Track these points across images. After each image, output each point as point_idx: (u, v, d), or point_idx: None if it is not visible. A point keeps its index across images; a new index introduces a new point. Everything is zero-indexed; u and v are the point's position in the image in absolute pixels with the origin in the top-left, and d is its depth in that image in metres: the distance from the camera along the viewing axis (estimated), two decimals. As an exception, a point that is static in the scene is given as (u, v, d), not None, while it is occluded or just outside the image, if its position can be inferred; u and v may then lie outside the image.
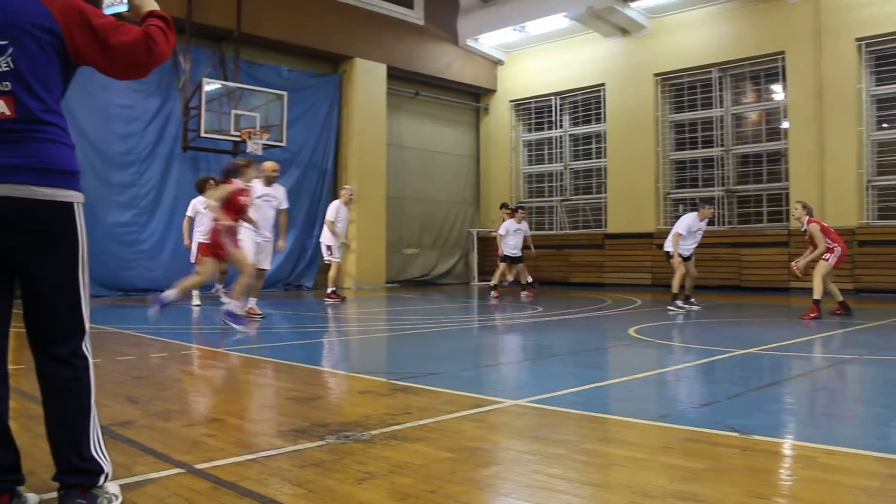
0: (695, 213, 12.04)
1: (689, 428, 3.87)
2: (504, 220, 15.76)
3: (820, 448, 3.50)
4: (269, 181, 10.40)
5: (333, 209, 13.53)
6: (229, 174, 9.11)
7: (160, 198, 15.45)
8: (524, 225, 15.51)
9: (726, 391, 5.00)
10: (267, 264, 10.40)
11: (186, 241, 12.06)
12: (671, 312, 11.17)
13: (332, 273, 13.52)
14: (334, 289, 13.58)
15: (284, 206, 10.70)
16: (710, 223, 17.92)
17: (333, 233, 13.37)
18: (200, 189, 12.17)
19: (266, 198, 10.35)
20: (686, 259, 12.07)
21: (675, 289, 11.90)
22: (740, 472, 3.14)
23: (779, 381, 5.49)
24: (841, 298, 10.56)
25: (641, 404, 4.61)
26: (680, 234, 11.87)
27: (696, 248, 12.26)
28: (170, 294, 8.49)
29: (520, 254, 15.39)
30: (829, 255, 10.28)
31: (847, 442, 3.61)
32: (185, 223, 12.22)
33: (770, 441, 3.64)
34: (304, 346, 7.64)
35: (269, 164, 10.56)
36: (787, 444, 3.65)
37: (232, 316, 8.73)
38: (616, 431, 3.86)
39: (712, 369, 5.95)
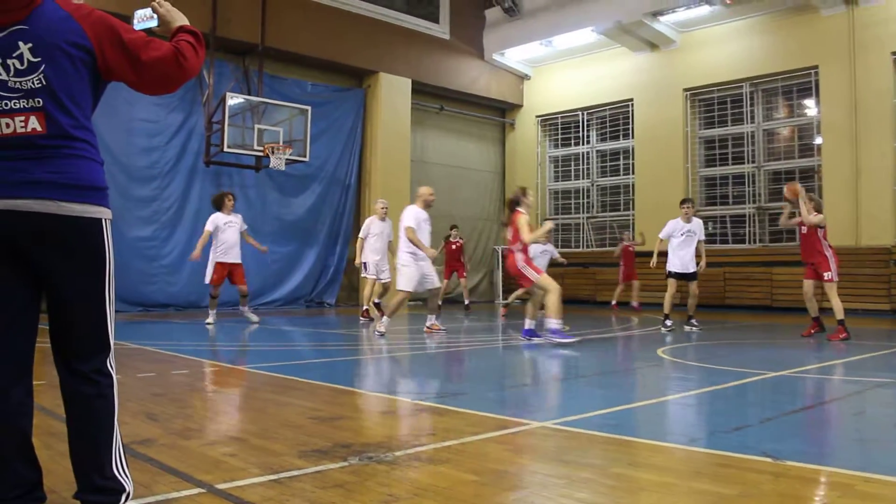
0: (678, 218, 11.97)
1: (720, 452, 3.82)
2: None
3: (857, 475, 3.44)
4: (426, 205, 10.75)
5: (365, 225, 13.52)
6: (518, 203, 9.78)
7: (182, 212, 15.60)
8: (550, 246, 15.23)
9: (758, 415, 4.94)
10: (437, 283, 10.86)
11: (196, 253, 11.85)
12: (662, 330, 11.33)
13: (365, 291, 13.57)
14: (367, 307, 13.55)
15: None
16: (740, 240, 17.77)
17: (357, 250, 13.41)
18: (218, 205, 12.25)
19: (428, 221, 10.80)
20: (688, 277, 11.87)
21: (665, 308, 11.79)
22: (773, 499, 3.10)
23: (813, 404, 5.42)
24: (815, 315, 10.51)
25: (671, 427, 4.57)
26: (661, 240, 11.82)
27: (709, 264, 12.22)
28: (553, 323, 9.20)
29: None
30: (829, 272, 10.14)
31: (885, 469, 3.55)
32: (205, 237, 11.99)
33: (804, 467, 3.58)
34: (326, 365, 7.66)
35: (425, 189, 10.93)
36: (823, 471, 3.59)
37: (557, 332, 9.27)
38: (645, 455, 3.83)
39: (744, 392, 5.89)
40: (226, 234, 12.01)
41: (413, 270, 10.38)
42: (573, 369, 7.48)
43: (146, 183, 15.23)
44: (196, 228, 15.49)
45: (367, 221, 13.62)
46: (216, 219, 12.12)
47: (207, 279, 12.14)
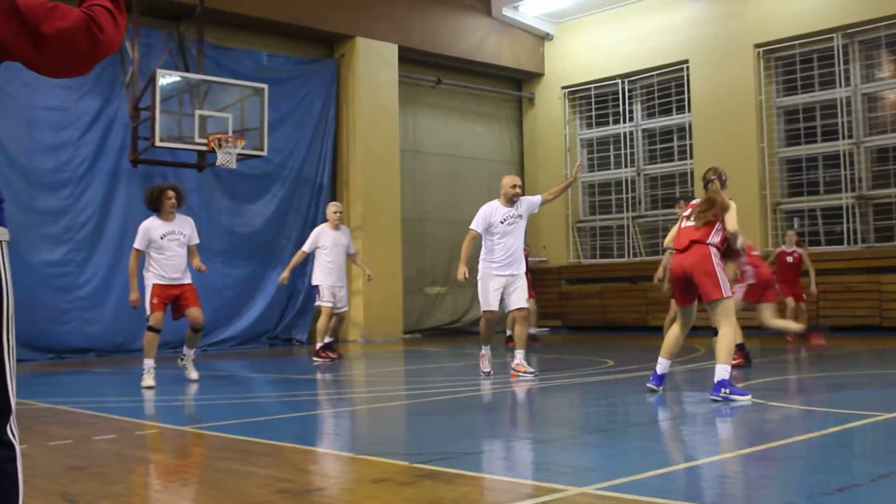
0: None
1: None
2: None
3: None
4: (509, 201, 10.54)
5: (312, 235, 13.51)
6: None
7: (102, 228, 15.61)
8: None
9: (869, 471, 4.91)
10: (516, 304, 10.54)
11: (134, 295, 10.51)
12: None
13: (319, 323, 13.45)
14: (321, 343, 13.39)
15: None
16: (836, 241, 17.72)
17: (292, 264, 13.47)
18: (150, 206, 10.73)
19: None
20: None
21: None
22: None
23: (940, 454, 5.40)
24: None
25: (754, 490, 4.55)
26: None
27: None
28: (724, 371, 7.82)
29: None
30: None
31: None
32: (134, 260, 10.59)
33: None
34: (296, 421, 7.63)
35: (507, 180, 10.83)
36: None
37: (727, 386, 7.83)
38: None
39: (849, 440, 5.85)
40: (167, 250, 10.41)
41: (487, 284, 10.28)
42: (620, 416, 7.43)
43: (54, 191, 15.27)
44: (123, 248, 15.47)
45: (315, 232, 13.57)
46: (150, 230, 10.45)
47: (147, 308, 10.52)
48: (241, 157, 15.73)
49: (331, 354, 13.46)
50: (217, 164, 15.26)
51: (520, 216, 10.48)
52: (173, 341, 14.09)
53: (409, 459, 5.41)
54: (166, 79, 15.21)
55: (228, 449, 6.15)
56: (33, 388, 10.31)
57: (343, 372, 12.36)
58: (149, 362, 10.32)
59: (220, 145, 15.18)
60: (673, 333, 8.37)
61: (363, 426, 7.50)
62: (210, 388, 10.65)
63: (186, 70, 16.13)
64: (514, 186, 10.52)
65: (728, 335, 7.84)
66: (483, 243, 10.42)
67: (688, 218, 8.41)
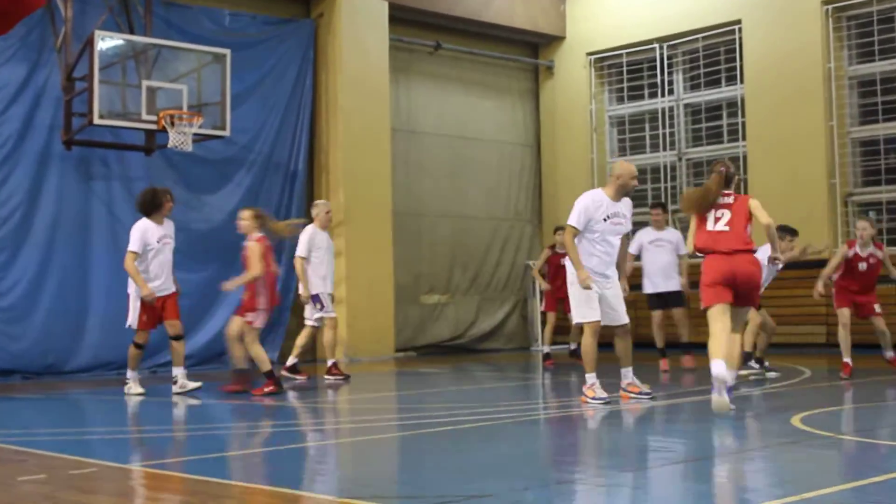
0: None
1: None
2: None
3: None
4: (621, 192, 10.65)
5: (305, 239, 13.92)
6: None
7: (30, 222, 15.54)
8: None
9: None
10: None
11: (147, 290, 11.99)
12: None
13: (327, 337, 14.00)
14: (335, 360, 13.95)
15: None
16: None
17: (301, 276, 13.94)
18: (148, 209, 12.34)
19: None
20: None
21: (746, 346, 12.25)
22: None
23: None
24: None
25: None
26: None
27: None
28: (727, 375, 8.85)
29: None
30: None
31: None
32: (132, 262, 12.03)
33: None
34: (266, 457, 7.62)
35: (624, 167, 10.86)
36: None
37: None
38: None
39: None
40: (162, 254, 12.32)
41: (592, 294, 10.30)
42: (659, 452, 7.43)
43: (-30, 178, 15.29)
44: (55, 246, 15.45)
45: (308, 233, 14.00)
46: (146, 233, 12.24)
47: (132, 321, 12.24)
48: (199, 138, 15.71)
49: (297, 376, 13.97)
50: (169, 146, 15.22)
51: (624, 216, 10.61)
52: (117, 361, 14.14)
53: (403, 503, 5.39)
54: (106, 42, 15.15)
55: (184, 491, 6.13)
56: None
57: (322, 398, 12.34)
58: (133, 373, 12.21)
59: (172, 123, 15.15)
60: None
61: (347, 463, 7.49)
62: (161, 419, 10.65)
63: (131, 31, 16.06)
64: (634, 177, 10.65)
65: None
66: (583, 238, 10.39)
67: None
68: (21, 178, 15.53)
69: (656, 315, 15.03)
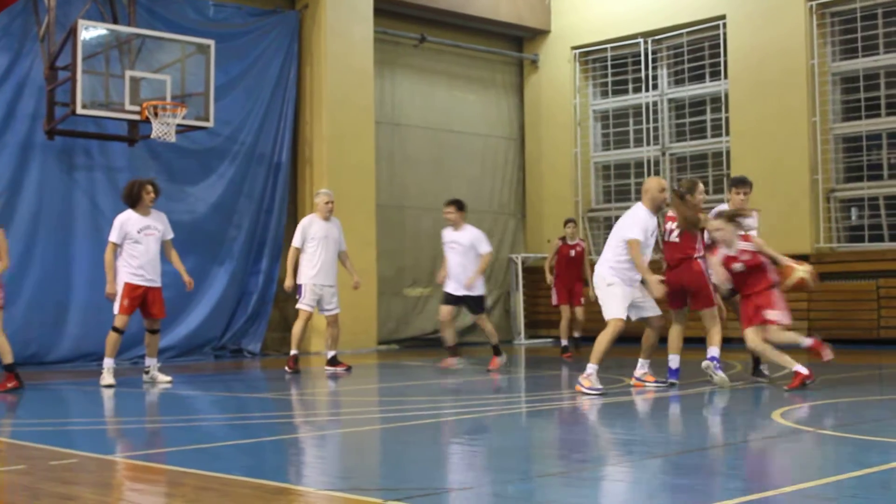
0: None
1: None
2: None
3: None
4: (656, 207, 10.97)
5: (300, 228, 13.91)
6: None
7: (11, 213, 15.45)
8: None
9: None
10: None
11: (111, 288, 12.25)
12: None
13: (295, 328, 13.90)
14: (295, 353, 13.82)
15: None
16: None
17: (289, 266, 13.83)
18: (132, 200, 12.44)
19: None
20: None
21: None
22: None
23: None
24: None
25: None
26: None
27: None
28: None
29: None
30: None
31: None
32: (110, 253, 12.30)
33: None
34: (247, 449, 7.60)
35: None
36: None
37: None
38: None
39: None
40: (143, 244, 12.31)
41: (624, 291, 10.62)
42: (640, 445, 7.44)
43: (-49, 168, 15.23)
44: (37, 238, 15.41)
45: (303, 223, 14.00)
46: (126, 223, 12.33)
47: (116, 308, 12.31)
48: (182, 129, 15.66)
49: (337, 368, 13.94)
50: (152, 136, 15.17)
51: (656, 229, 10.96)
52: (98, 352, 14.09)
53: (384, 495, 5.39)
54: (90, 31, 15.10)
55: (165, 483, 6.12)
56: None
57: (304, 390, 12.33)
58: (109, 362, 12.23)
59: (155, 114, 15.11)
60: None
61: (328, 455, 7.47)
62: (142, 410, 10.62)
63: (115, 21, 16.01)
64: (663, 190, 10.91)
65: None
66: (633, 257, 10.60)
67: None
68: (3, 168, 15.51)
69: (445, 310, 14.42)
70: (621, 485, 5.92)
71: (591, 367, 10.37)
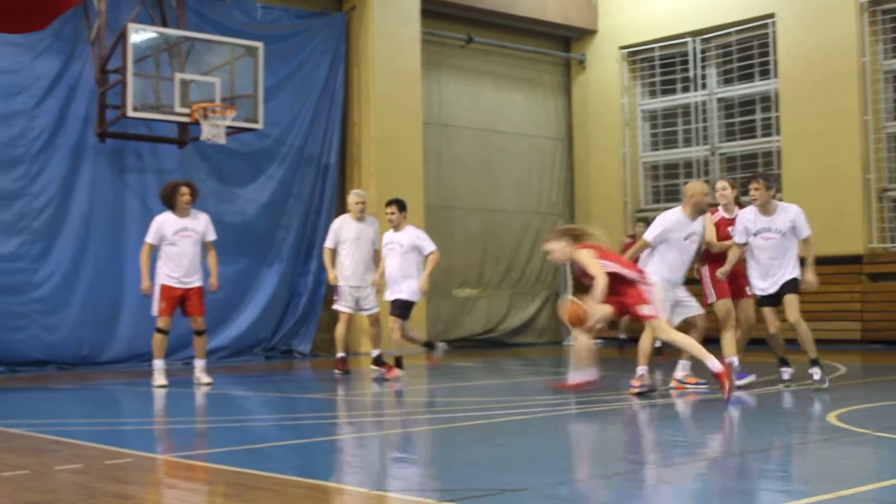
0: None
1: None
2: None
3: None
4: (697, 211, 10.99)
5: (333, 230, 13.83)
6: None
7: (63, 215, 15.63)
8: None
9: None
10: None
11: (146, 284, 12.34)
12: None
13: (338, 331, 13.80)
14: (342, 354, 13.75)
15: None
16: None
17: (327, 266, 13.75)
18: (169, 202, 12.50)
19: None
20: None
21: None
22: None
23: None
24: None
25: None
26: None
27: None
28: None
29: None
30: None
31: None
32: (145, 254, 12.45)
33: None
34: (300, 449, 7.63)
35: None
36: None
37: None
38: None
39: None
40: (178, 247, 12.37)
41: (665, 292, 10.64)
42: (692, 447, 7.39)
43: (4, 170, 15.31)
44: (89, 239, 15.54)
45: (335, 224, 13.94)
46: (162, 225, 12.42)
47: (154, 310, 12.40)
48: (231, 131, 15.75)
49: (381, 368, 13.65)
50: (202, 138, 15.27)
51: (697, 233, 10.96)
52: (150, 352, 14.20)
53: (439, 496, 5.38)
54: (140, 35, 15.20)
55: (218, 482, 6.14)
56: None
57: (355, 391, 12.34)
58: (158, 363, 12.35)
59: (205, 116, 15.19)
60: None
61: (380, 456, 7.47)
62: (195, 410, 10.66)
63: (164, 24, 16.13)
64: (706, 194, 10.92)
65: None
66: (655, 249, 10.80)
67: None
68: (55, 170, 15.64)
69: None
70: (675, 487, 5.88)
71: (641, 369, 10.41)
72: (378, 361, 13.76)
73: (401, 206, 13.40)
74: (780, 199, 11.53)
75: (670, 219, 10.74)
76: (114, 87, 15.34)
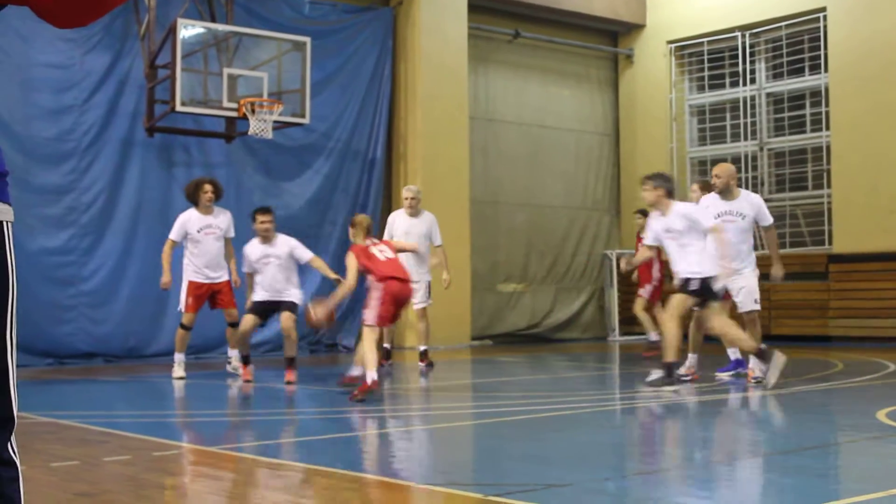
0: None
1: None
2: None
3: None
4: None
5: (388, 224, 13.98)
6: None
7: (112, 209, 15.74)
8: None
9: None
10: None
11: (166, 278, 12.48)
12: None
13: (419, 326, 14.21)
14: (386, 346, 13.72)
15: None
16: None
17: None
18: (193, 198, 12.60)
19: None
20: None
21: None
22: None
23: None
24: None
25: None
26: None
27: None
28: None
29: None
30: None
31: None
32: (167, 250, 12.58)
33: None
34: (342, 443, 7.68)
35: None
36: None
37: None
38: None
39: None
40: (202, 244, 12.47)
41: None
42: (741, 444, 7.37)
43: (55, 164, 15.43)
44: (136, 233, 15.64)
45: (390, 218, 14.10)
46: (187, 223, 12.51)
47: (182, 305, 12.55)
48: (279, 126, 15.80)
49: (422, 364, 13.90)
50: (249, 133, 15.32)
51: (739, 213, 11.29)
52: (195, 345, 14.29)
53: (481, 490, 5.39)
54: (189, 30, 15.28)
55: (266, 474, 6.18)
56: (30, 398, 10.43)
57: (398, 385, 12.38)
58: (179, 356, 12.48)
59: (252, 111, 15.25)
60: None
61: (424, 450, 7.50)
62: (240, 403, 10.75)
63: (213, 20, 16.19)
64: (732, 175, 11.50)
65: None
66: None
67: None
68: (104, 164, 15.74)
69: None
70: (722, 484, 5.87)
71: (692, 357, 10.84)
72: (423, 356, 13.87)
73: (266, 211, 12.64)
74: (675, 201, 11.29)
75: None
76: (162, 82, 15.42)
